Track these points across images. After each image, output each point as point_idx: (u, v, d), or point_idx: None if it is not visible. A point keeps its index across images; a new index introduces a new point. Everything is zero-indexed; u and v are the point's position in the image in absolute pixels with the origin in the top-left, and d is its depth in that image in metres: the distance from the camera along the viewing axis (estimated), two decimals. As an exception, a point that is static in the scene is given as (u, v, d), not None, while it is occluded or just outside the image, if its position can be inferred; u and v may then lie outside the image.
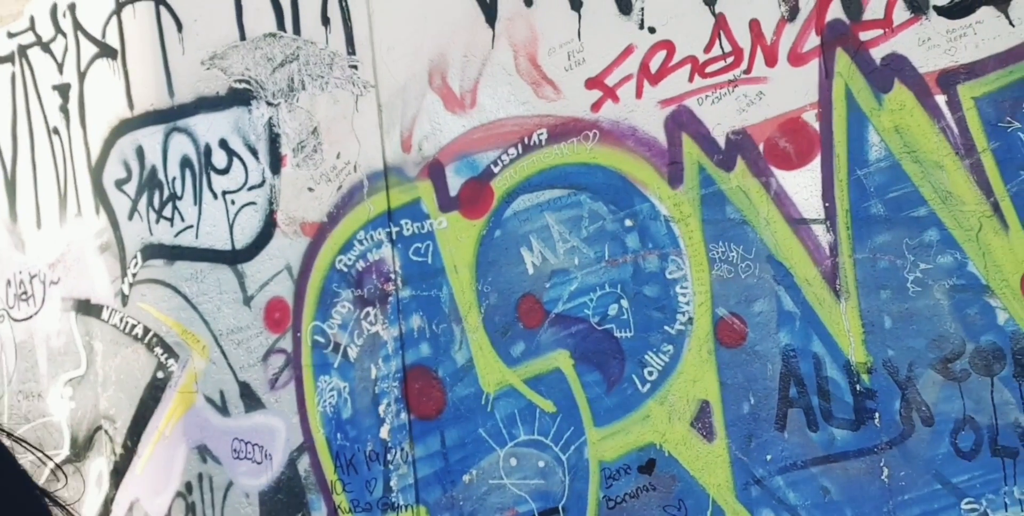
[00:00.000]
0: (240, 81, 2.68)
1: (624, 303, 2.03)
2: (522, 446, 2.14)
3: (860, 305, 1.78)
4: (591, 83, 2.11)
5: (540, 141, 2.16)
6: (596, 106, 2.10)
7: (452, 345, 2.25)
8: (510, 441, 2.15)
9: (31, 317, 3.19)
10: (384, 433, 2.33)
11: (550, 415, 2.11)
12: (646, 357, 2.00)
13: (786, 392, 1.84)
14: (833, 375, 1.80)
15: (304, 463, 2.46)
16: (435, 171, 2.31)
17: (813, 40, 1.87)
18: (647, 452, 1.99)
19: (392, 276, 2.35)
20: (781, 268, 1.85)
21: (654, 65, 2.05)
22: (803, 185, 1.85)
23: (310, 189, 2.52)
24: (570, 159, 2.12)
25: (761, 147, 1.90)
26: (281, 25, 2.61)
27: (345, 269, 2.43)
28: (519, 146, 2.19)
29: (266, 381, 2.55)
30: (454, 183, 2.28)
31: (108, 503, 2.90)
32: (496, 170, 2.22)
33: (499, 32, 2.24)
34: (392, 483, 2.31)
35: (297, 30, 2.58)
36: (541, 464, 2.11)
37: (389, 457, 2.32)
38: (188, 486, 2.70)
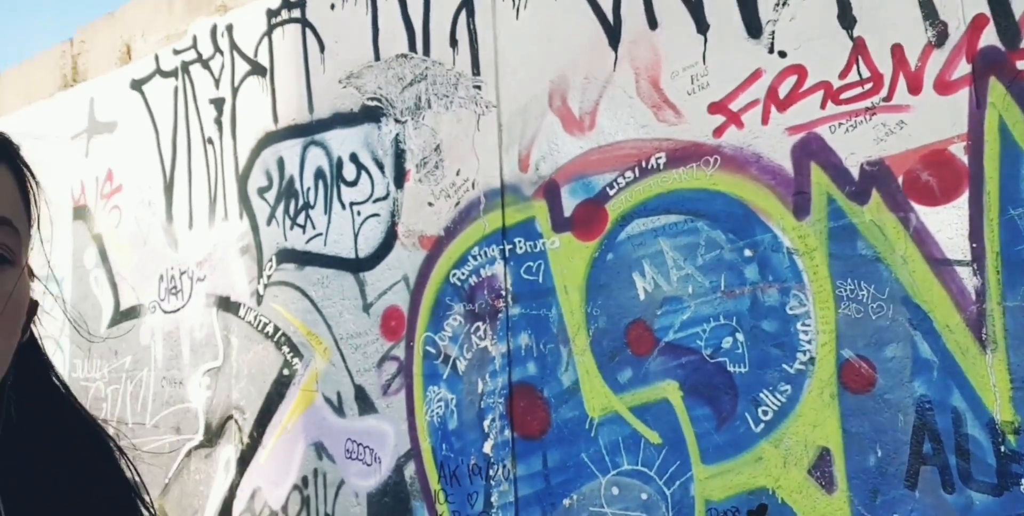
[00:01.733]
0: (372, 99, 2.47)
1: (739, 336, 1.71)
2: (625, 476, 1.84)
3: (1009, 358, 1.41)
4: (714, 107, 1.80)
5: (658, 165, 1.86)
6: (719, 131, 1.79)
7: (559, 366, 1.97)
8: (613, 469, 1.86)
9: (179, 310, 3.07)
10: (488, 448, 2.07)
11: (655, 446, 1.81)
12: (761, 395, 1.67)
13: (919, 447, 1.49)
14: (974, 433, 1.44)
15: (410, 470, 2.23)
16: (550, 191, 2.04)
17: (963, 68, 1.51)
18: (758, 496, 1.66)
19: (503, 293, 2.09)
20: (919, 311, 1.50)
21: (783, 90, 1.72)
22: (947, 223, 1.49)
23: (430, 204, 2.28)
24: (689, 184, 1.81)
25: (900, 180, 1.55)
26: (412, 46, 2.39)
27: (458, 283, 2.18)
28: (636, 169, 1.90)
29: (379, 386, 2.33)
30: (569, 204, 2.00)
31: (233, 488, 2.74)
32: (611, 192, 1.93)
33: (622, 55, 1.95)
34: (493, 499, 2.04)
35: (427, 51, 2.35)
36: (644, 496, 1.81)
37: (491, 472, 2.06)
38: (304, 480, 2.50)
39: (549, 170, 2.05)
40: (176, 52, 3.25)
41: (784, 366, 1.65)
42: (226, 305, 2.88)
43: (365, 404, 2.37)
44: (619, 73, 1.95)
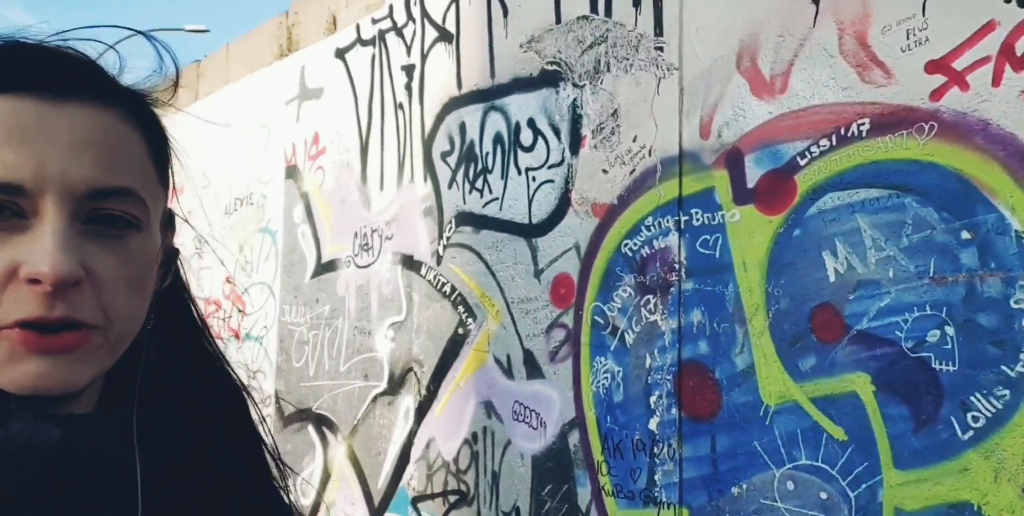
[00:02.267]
0: (551, 63, 2.27)
1: (949, 330, 1.39)
2: (802, 471, 1.59)
3: None
4: (933, 66, 1.46)
5: (860, 132, 1.55)
6: (937, 94, 1.45)
7: (733, 347, 1.72)
8: (789, 462, 1.61)
9: (369, 265, 3.07)
10: (653, 425, 1.87)
11: (839, 443, 1.54)
12: (972, 399, 1.36)
13: None
14: None
15: (574, 438, 2.07)
16: (733, 160, 1.77)
17: None
18: (960, 510, 1.36)
19: (676, 266, 1.86)
20: None
21: (1022, 46, 1.35)
22: None
23: (604, 171, 2.07)
24: (896, 154, 1.49)
25: None
26: (594, 7, 2.16)
27: (630, 254, 1.97)
28: (833, 137, 1.59)
29: (547, 352, 2.18)
30: (753, 174, 1.73)
31: (411, 436, 2.72)
32: (803, 162, 1.64)
33: (824, 8, 1.64)
34: (656, 477, 1.85)
35: (608, 12, 2.11)
36: (824, 496, 1.56)
37: (656, 450, 1.86)
38: (474, 436, 2.42)
39: (733, 137, 1.78)
40: (374, 21, 3.19)
41: (1003, 368, 1.32)
42: (409, 263, 2.83)
43: (533, 368, 2.23)
44: (819, 29, 1.64)
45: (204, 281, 4.54)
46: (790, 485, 1.60)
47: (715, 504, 1.72)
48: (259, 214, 4.09)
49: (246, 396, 0.87)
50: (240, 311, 4.23)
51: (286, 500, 0.90)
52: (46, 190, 0.64)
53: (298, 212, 3.66)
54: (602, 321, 2.03)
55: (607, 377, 2.00)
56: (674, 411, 1.83)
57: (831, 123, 1.60)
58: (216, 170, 4.47)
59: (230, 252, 4.28)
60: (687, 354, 1.82)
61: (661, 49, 1.96)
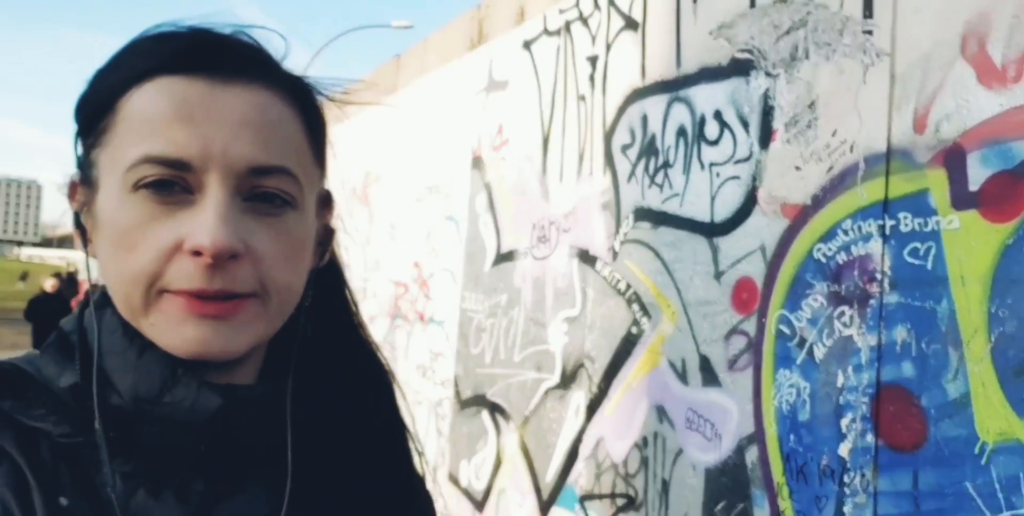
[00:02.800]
0: (743, 50, 2.09)
1: None
2: (1023, 520, 1.35)
3: None
4: None
5: (1122, 127, 1.27)
6: None
7: (944, 372, 1.50)
8: (1007, 510, 1.37)
9: (546, 257, 3.02)
10: (844, 451, 1.68)
11: (1074, 496, 1.29)
12: None
13: None
14: None
15: (752, 454, 1.91)
16: (953, 158, 1.53)
17: None
18: None
19: (878, 276, 1.64)
20: None
21: None
22: None
23: (797, 168, 1.87)
24: None
25: None
26: (794, -12, 1.95)
27: (823, 260, 1.77)
28: (1085, 133, 1.32)
29: (725, 360, 2.03)
30: (977, 175, 1.48)
31: (580, 433, 2.65)
32: (1043, 163, 1.38)
33: (1078, -21, 1.36)
34: (846, 509, 1.66)
35: (810, -7, 1.90)
36: (1048, 552, 1.31)
37: (846, 479, 1.67)
38: (645, 440, 2.31)
39: (954, 132, 1.53)
40: (560, 11, 3.12)
41: None
42: (585, 258, 2.75)
43: (709, 376, 2.08)
44: (1072, 4, 1.36)
45: (394, 264, 4.72)
46: (1009, 538, 1.36)
47: (913, 547, 1.51)
48: (446, 202, 4.17)
49: (391, 379, 0.89)
50: (425, 295, 4.36)
51: (419, 477, 0.92)
52: (210, 167, 0.67)
53: (481, 202, 3.69)
54: (788, 331, 1.85)
55: (792, 392, 1.82)
56: (870, 437, 1.63)
57: (1083, 116, 1.33)
58: (409, 159, 4.62)
59: (417, 238, 4.42)
60: (887, 375, 1.61)
61: (870, 33, 1.73)
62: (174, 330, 0.67)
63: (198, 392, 0.68)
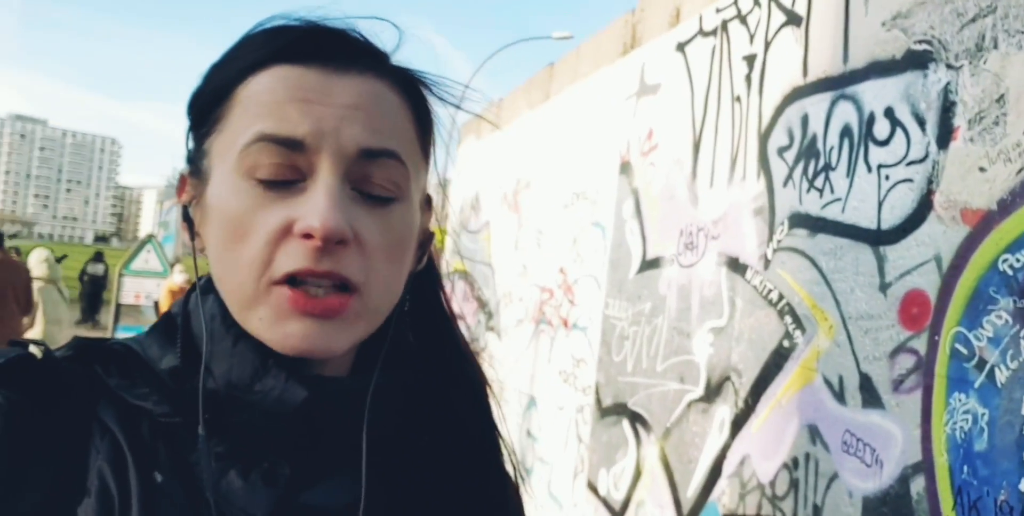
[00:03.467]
0: (920, 42, 1.90)
1: None
2: None
3: None
4: None
5: None
6: None
7: None
8: None
9: (693, 265, 2.89)
10: (1028, 487, 1.47)
11: None
12: None
13: None
14: None
15: (918, 485, 1.71)
16: None
17: None
18: None
19: (1079, 292, 1.42)
20: None
21: None
22: None
23: (982, 169, 1.67)
24: None
25: None
26: (982, -28, 1.75)
27: (1010, 272, 1.56)
28: None
29: (890, 380, 1.83)
30: None
31: (725, 449, 2.50)
32: None
33: None
34: (1027, 552, 1.45)
35: (1001, -25, 1.69)
36: None
37: (1029, 519, 1.45)
38: (795, 461, 2.14)
39: None
40: (718, 10, 2.99)
41: None
42: (735, 266, 2.60)
43: (870, 396, 1.89)
44: None
45: (540, 270, 4.72)
46: None
47: (1115, 606, 1.29)
48: (592, 209, 4.12)
49: (487, 387, 0.88)
50: (570, 301, 4.31)
51: (515, 491, 0.90)
52: (322, 147, 0.68)
53: (627, 208, 3.60)
54: (965, 351, 1.64)
55: (967, 419, 1.61)
56: (1060, 475, 1.41)
57: None
58: (558, 165, 4.60)
59: (564, 244, 4.38)
60: (1086, 405, 1.39)
61: (1076, 15, 1.51)
62: (279, 326, 0.68)
63: (286, 383, 0.69)
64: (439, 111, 0.80)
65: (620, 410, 3.38)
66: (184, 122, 0.76)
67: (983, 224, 1.64)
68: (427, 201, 0.82)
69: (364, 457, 0.72)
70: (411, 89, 0.76)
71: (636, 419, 3.21)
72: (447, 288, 0.88)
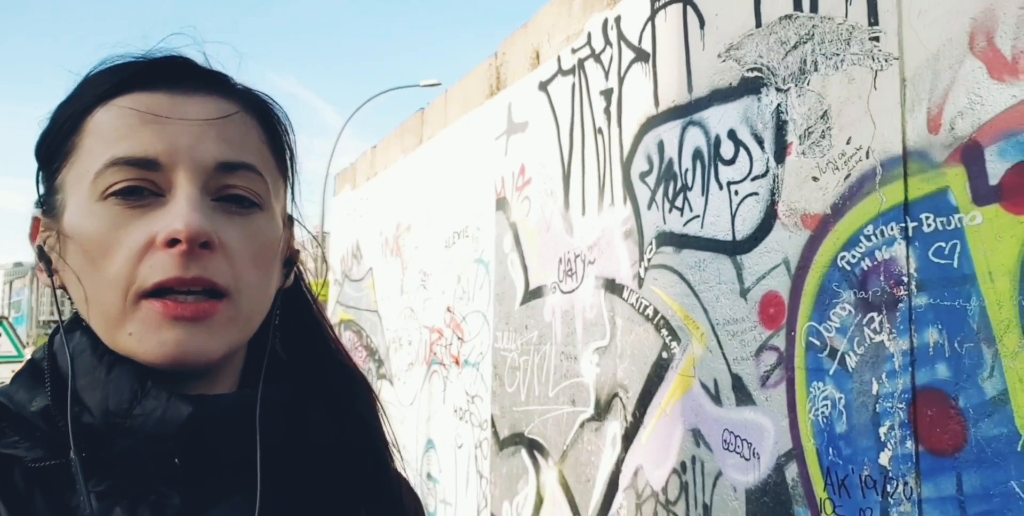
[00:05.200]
0: (752, 69, 2.10)
1: None
2: (1079, 520, 1.27)
3: None
4: None
5: None
6: None
7: (979, 370, 1.44)
8: (1060, 509, 1.29)
9: (573, 290, 3.00)
10: (884, 460, 1.61)
11: None
12: None
13: None
14: None
15: (792, 471, 1.84)
16: (970, 154, 1.50)
17: None
18: None
19: (904, 279, 1.60)
20: None
21: None
22: None
23: (814, 178, 1.85)
24: None
25: None
26: (798, 5, 1.97)
27: (848, 267, 1.73)
28: (1101, 116, 1.29)
29: (757, 377, 1.97)
30: (995, 169, 1.45)
31: (619, 463, 2.59)
32: (1061, 150, 1.35)
33: (1077, -32, 1.35)
34: (890, 520, 1.58)
35: (814, 7, 1.91)
36: (1110, 552, 1.23)
37: (889, 488, 1.59)
38: (683, 465, 2.24)
39: (968, 129, 1.51)
40: (573, 51, 3.18)
41: None
42: (612, 287, 2.73)
43: (742, 394, 2.02)
44: (1073, -8, 1.35)
45: (428, 311, 4.73)
46: (1065, 539, 1.28)
47: (966, 556, 1.43)
48: (474, 246, 4.19)
49: (371, 389, 0.89)
50: (459, 338, 4.34)
51: (402, 482, 0.91)
52: (178, 163, 0.68)
53: (507, 242, 3.70)
54: (818, 343, 1.80)
55: (827, 405, 1.76)
56: (909, 444, 1.56)
57: (1097, 101, 1.30)
58: (437, 206, 4.67)
59: (449, 283, 4.43)
60: (922, 379, 1.55)
61: (877, 39, 1.73)
62: (151, 336, 0.67)
63: (168, 402, 0.67)
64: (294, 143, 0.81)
65: (518, 440, 3.41)
66: (32, 195, 0.75)
67: (821, 227, 1.82)
68: (289, 220, 0.82)
69: (259, 473, 0.71)
70: (260, 110, 0.77)
71: (534, 447, 3.26)
72: (319, 307, 0.89)
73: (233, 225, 0.70)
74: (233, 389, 0.77)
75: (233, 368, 0.77)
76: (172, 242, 0.66)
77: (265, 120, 0.77)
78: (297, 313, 0.84)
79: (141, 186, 0.68)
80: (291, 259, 0.82)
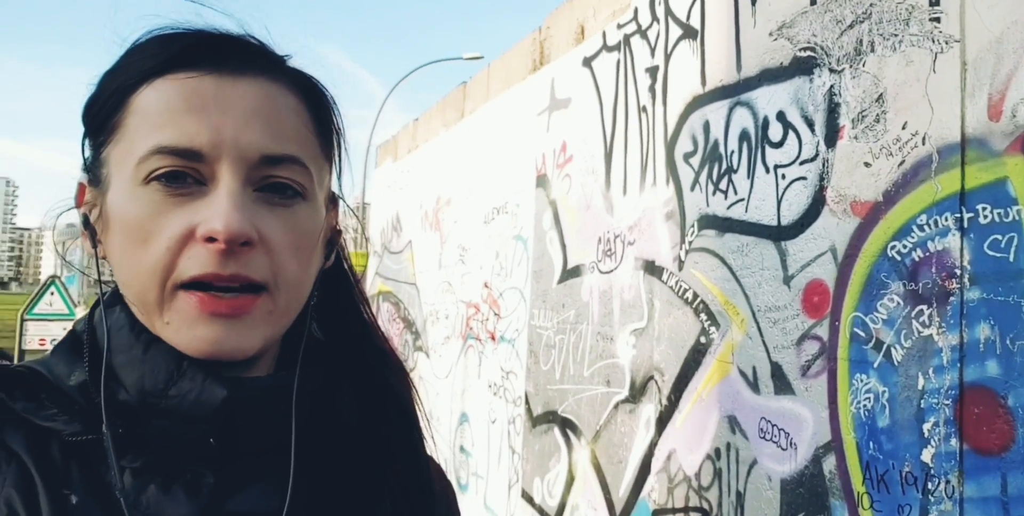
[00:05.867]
0: (805, 49, 2.03)
1: None
2: None
3: None
4: None
5: None
6: None
7: (1033, 369, 1.39)
8: (1111, 516, 1.25)
9: (612, 271, 2.98)
10: (927, 457, 1.57)
11: None
12: None
13: None
14: None
15: (829, 463, 1.81)
16: (1034, 143, 1.43)
17: None
18: None
19: (957, 272, 1.54)
20: None
21: None
22: None
23: (866, 164, 1.79)
24: None
25: None
26: (855, -16, 1.88)
27: (898, 257, 1.68)
28: None
29: (798, 366, 1.93)
30: (1061, 159, 1.38)
31: (652, 446, 2.57)
32: None
33: None
34: (930, 517, 1.54)
35: (872, -14, 1.83)
36: None
37: (930, 486, 1.55)
38: (717, 452, 2.22)
39: (1033, 116, 1.44)
40: (619, 26, 3.11)
41: None
42: (651, 269, 2.69)
43: (782, 383, 1.99)
44: None
45: (465, 286, 4.74)
46: (1116, 547, 1.24)
47: (1008, 558, 1.39)
48: (513, 222, 4.17)
49: (406, 373, 0.88)
50: (496, 314, 4.35)
51: (433, 466, 0.90)
52: (222, 155, 0.67)
53: (547, 219, 3.67)
54: (863, 334, 1.75)
55: (869, 398, 1.72)
56: (954, 442, 1.52)
57: None
58: (477, 181, 4.65)
59: (488, 258, 4.43)
60: (971, 376, 1.50)
61: (937, 20, 1.65)
62: (187, 329, 0.67)
63: (203, 385, 0.67)
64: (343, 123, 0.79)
65: (551, 418, 3.42)
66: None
67: (871, 215, 1.76)
68: (332, 199, 0.81)
69: (293, 456, 0.70)
70: (308, 91, 0.76)
71: (567, 425, 3.26)
72: (367, 296, 0.88)
73: (275, 217, 0.70)
74: (270, 371, 0.76)
75: (272, 351, 0.76)
76: (211, 239, 0.66)
77: (313, 103, 0.76)
78: (336, 294, 0.84)
79: (184, 171, 0.67)
80: (334, 238, 0.81)
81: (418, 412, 0.87)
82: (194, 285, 0.67)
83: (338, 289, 0.84)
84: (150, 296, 0.67)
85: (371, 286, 6.85)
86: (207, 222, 0.66)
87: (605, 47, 3.22)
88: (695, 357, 2.38)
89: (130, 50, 0.72)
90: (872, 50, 1.81)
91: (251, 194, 0.69)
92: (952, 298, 1.55)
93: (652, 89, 2.83)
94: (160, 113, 0.68)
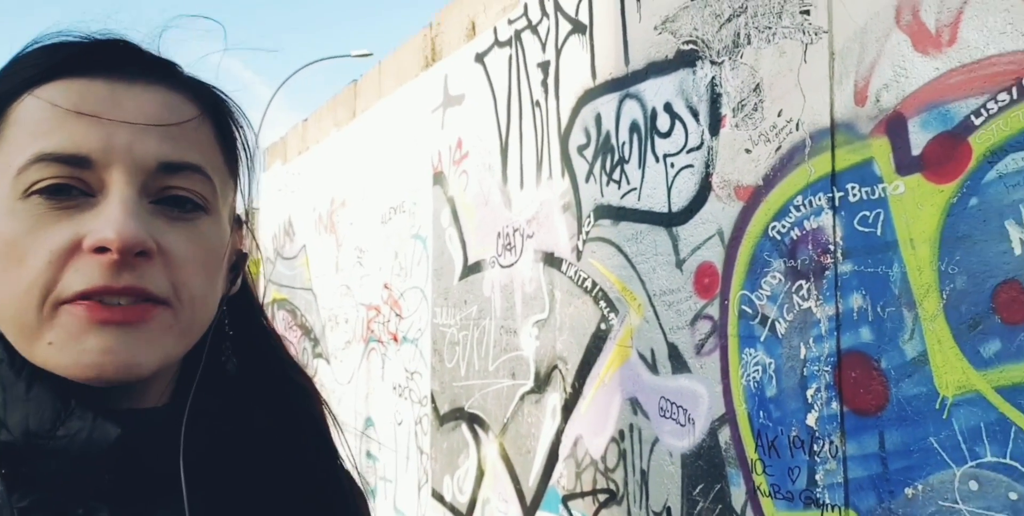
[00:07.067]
0: (687, 42, 2.14)
1: None
2: (987, 469, 1.37)
3: None
4: None
5: (1046, 81, 1.32)
6: None
7: (900, 333, 1.53)
8: (971, 460, 1.39)
9: (512, 264, 3.04)
10: (811, 421, 1.70)
11: (1034, 440, 1.31)
12: None
13: None
14: None
15: (725, 435, 1.92)
16: (894, 126, 1.58)
17: None
18: None
19: (831, 247, 1.68)
20: None
21: None
22: None
23: (747, 150, 1.91)
24: (1093, 102, 1.26)
25: None
26: (731, -20, 2.01)
27: (778, 237, 1.80)
28: (1014, 90, 1.38)
29: (692, 346, 2.04)
30: (918, 140, 1.53)
31: (559, 434, 2.65)
32: (978, 122, 1.43)
33: (994, -54, 1.42)
34: (818, 477, 1.67)
35: (746, -17, 1.96)
36: (1013, 496, 1.33)
37: (815, 447, 1.68)
38: (621, 433, 2.31)
39: (893, 101, 1.59)
40: (510, 22, 3.18)
41: None
42: (551, 261, 2.77)
43: (678, 363, 2.10)
44: (989, -31, 1.42)
45: (364, 288, 4.71)
46: (973, 485, 1.38)
47: (886, 506, 1.53)
48: (411, 221, 4.18)
49: (319, 399, 0.84)
50: (397, 315, 4.34)
51: (353, 487, 0.86)
52: (113, 162, 0.61)
53: (445, 216, 3.70)
54: (750, 311, 1.87)
55: (758, 370, 1.84)
56: (835, 405, 1.65)
57: (1011, 75, 1.38)
58: (373, 181, 4.63)
59: (386, 259, 4.41)
60: (847, 343, 1.63)
61: (807, 13, 1.79)
62: (74, 344, 0.59)
63: (94, 423, 0.62)
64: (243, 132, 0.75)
65: (458, 415, 3.45)
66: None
67: (753, 198, 1.89)
68: (237, 221, 0.76)
69: (184, 486, 0.66)
70: (208, 102, 0.70)
71: (474, 421, 3.30)
72: (268, 315, 0.85)
73: (175, 230, 0.64)
74: (164, 400, 0.70)
75: (165, 377, 0.70)
76: (101, 249, 0.59)
77: (217, 115, 0.71)
78: (247, 324, 0.78)
79: (69, 184, 0.61)
80: (239, 262, 0.76)
81: (331, 428, 0.84)
82: (81, 298, 0.60)
83: (248, 319, 0.79)
84: (28, 318, 0.60)
85: (264, 294, 6.69)
86: (96, 232, 0.59)
87: (497, 43, 3.28)
88: (596, 344, 2.46)
89: (11, 61, 0.66)
90: (749, 42, 1.94)
91: (147, 206, 0.63)
92: (827, 272, 1.68)
93: (544, 83, 2.91)
94: (44, 120, 0.61)
